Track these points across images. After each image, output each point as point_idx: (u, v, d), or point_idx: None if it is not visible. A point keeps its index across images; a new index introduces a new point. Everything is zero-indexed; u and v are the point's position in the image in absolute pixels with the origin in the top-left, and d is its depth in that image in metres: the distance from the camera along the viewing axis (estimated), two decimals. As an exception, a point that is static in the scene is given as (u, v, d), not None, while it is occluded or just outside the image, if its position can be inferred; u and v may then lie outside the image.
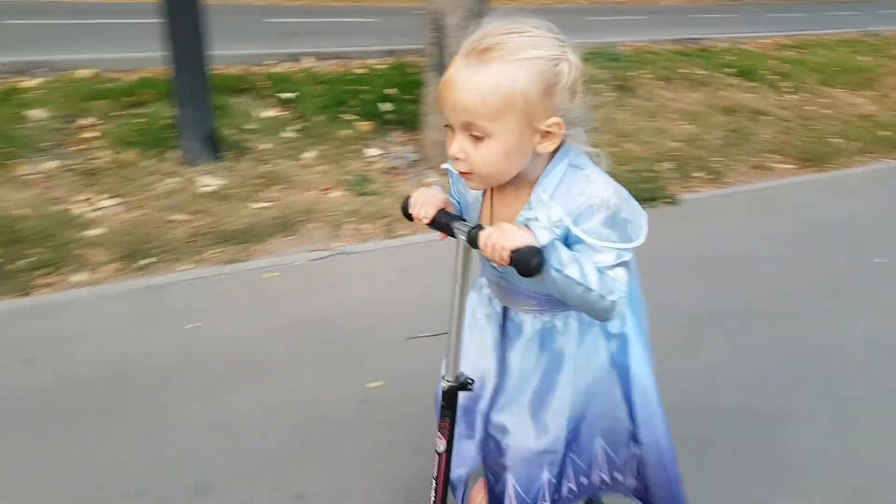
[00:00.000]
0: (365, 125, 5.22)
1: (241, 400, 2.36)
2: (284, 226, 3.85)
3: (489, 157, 1.09)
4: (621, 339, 1.34)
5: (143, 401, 2.34)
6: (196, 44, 4.28)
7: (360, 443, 2.16)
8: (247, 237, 3.69)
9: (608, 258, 1.10)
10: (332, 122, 5.20)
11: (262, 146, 4.75)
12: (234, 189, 4.19)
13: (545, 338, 1.33)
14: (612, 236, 1.10)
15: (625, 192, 1.12)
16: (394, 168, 4.80)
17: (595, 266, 1.09)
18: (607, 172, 1.16)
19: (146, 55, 5.74)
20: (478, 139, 1.08)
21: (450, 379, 1.30)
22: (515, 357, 1.36)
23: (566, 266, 1.07)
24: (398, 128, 5.29)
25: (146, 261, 3.39)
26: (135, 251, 3.44)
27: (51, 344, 2.66)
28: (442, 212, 1.21)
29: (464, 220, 1.18)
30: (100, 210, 3.81)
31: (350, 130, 5.13)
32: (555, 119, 1.08)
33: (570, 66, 1.07)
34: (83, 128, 4.68)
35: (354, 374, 2.51)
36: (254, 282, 3.23)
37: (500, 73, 1.03)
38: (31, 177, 4.06)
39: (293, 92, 5.57)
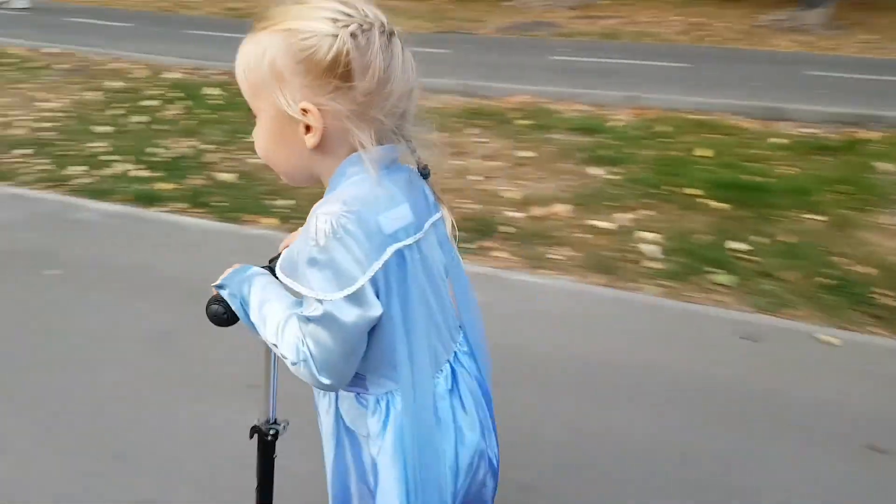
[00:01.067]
0: None
1: None
2: None
3: (260, 139, 0.98)
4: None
5: None
6: None
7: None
8: None
9: (310, 308, 0.88)
10: None
11: None
12: None
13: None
14: (315, 278, 0.87)
15: (357, 225, 0.86)
16: None
17: (297, 317, 0.90)
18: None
19: None
20: (256, 120, 0.97)
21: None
22: None
23: (252, 313, 0.96)
24: None
25: None
26: None
27: None
28: None
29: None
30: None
31: None
32: (304, 103, 0.89)
33: (336, 44, 0.86)
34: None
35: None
36: None
37: (258, 43, 0.91)
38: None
39: None
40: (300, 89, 0.89)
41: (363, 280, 0.86)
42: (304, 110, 0.89)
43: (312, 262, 0.86)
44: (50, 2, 14.67)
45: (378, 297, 0.89)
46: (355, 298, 0.86)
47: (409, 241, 0.93)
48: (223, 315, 0.97)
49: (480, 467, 1.06)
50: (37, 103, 6.21)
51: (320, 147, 0.92)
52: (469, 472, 1.03)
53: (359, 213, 0.86)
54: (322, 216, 0.86)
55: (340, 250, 0.85)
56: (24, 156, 4.88)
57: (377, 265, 0.88)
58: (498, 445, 1.12)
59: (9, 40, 9.40)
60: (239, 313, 0.98)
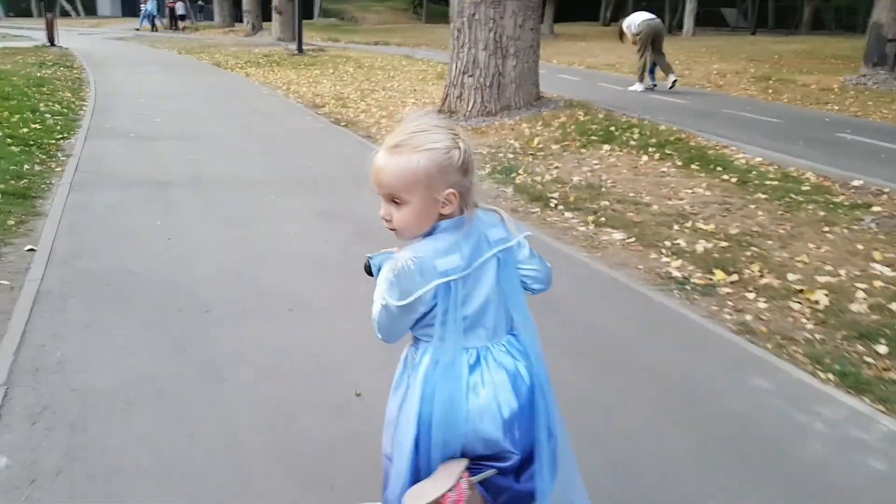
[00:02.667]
0: None
1: None
2: None
3: (406, 217, 1.55)
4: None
5: None
6: None
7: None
8: None
9: (380, 301, 1.58)
10: None
11: None
12: None
13: None
14: (385, 288, 1.55)
15: (417, 269, 1.49)
16: None
17: (378, 300, 1.59)
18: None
19: None
20: (398, 205, 1.54)
21: None
22: None
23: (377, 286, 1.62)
24: None
25: None
26: None
27: None
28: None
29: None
30: None
31: None
32: (450, 190, 1.51)
33: (461, 153, 1.52)
34: None
35: None
36: None
37: (408, 159, 1.49)
38: None
39: None
40: (446, 182, 1.50)
41: (408, 298, 1.50)
42: (450, 194, 1.51)
43: (388, 280, 1.53)
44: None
45: (435, 298, 1.51)
46: (403, 306, 1.51)
47: (454, 276, 1.51)
48: (368, 271, 1.71)
49: (482, 426, 1.56)
50: (873, 264, 4.49)
51: (439, 216, 1.55)
52: (479, 417, 1.55)
53: (422, 259, 1.50)
54: (402, 257, 1.51)
55: (403, 280, 1.50)
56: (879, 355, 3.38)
57: (421, 292, 1.49)
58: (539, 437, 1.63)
59: (748, 148, 7.52)
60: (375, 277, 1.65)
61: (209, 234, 4.86)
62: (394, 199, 1.53)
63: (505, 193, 6.32)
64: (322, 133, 9.31)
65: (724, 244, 4.82)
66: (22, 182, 5.77)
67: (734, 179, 6.39)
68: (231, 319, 3.58)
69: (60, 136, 7.87)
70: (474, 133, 9.19)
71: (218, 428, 2.67)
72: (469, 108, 10.06)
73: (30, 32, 26.38)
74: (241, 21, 32.59)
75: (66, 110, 9.66)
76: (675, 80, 12.59)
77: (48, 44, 21.35)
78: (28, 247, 4.46)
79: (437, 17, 43.36)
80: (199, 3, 41.62)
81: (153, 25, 33.93)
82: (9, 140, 7.13)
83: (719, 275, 4.33)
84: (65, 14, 44.56)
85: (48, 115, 8.95)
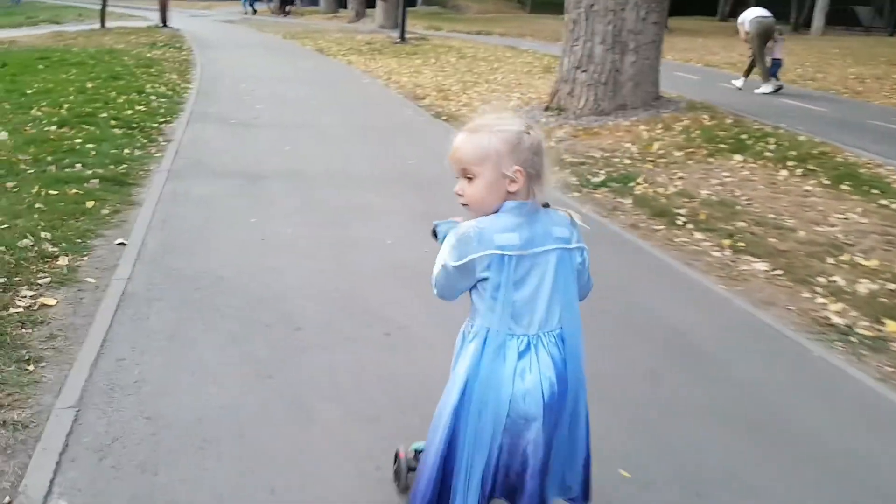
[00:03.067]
0: None
1: None
2: None
3: (476, 191, 1.67)
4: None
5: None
6: None
7: None
8: None
9: (441, 262, 1.72)
10: None
11: None
12: None
13: None
14: (448, 250, 1.68)
15: (476, 236, 1.63)
16: None
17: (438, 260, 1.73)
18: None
19: None
20: (470, 180, 1.68)
21: None
22: None
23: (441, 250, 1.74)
24: None
25: None
26: None
27: None
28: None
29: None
30: None
31: None
32: (517, 167, 1.63)
33: (531, 137, 1.65)
34: None
35: None
36: None
37: (482, 137, 1.66)
38: None
39: None
40: (514, 160, 1.63)
41: (462, 259, 1.63)
42: (517, 171, 1.63)
43: (450, 244, 1.67)
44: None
45: (488, 268, 1.63)
46: (458, 267, 1.65)
47: (509, 252, 1.62)
48: (434, 236, 1.83)
49: (530, 411, 1.68)
50: None
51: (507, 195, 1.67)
52: (522, 400, 1.67)
53: (482, 229, 1.63)
54: (466, 225, 1.66)
55: (462, 245, 1.64)
56: None
57: (475, 255, 1.62)
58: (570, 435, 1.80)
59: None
60: (440, 242, 1.78)
61: (304, 237, 4.55)
62: (467, 175, 1.68)
63: (622, 205, 5.75)
64: (422, 127, 8.96)
65: (892, 286, 4.10)
66: (121, 167, 5.68)
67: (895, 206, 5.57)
68: (322, 341, 3.22)
69: (164, 119, 7.85)
70: (585, 134, 8.61)
71: (303, 485, 2.30)
72: (580, 106, 9.46)
73: (145, 13, 27.44)
74: (345, 7, 32.88)
75: (171, 92, 9.71)
76: (773, 88, 11.70)
77: (160, 24, 22.07)
78: (119, 240, 4.28)
79: (542, 7, 42.42)
80: (306, -12, 42.41)
81: (253, 9, 34.66)
82: (112, 122, 7.13)
83: (891, 326, 3.65)
84: (180, -4, 46.29)
85: (153, 98, 9.00)
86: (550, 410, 1.69)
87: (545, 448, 1.73)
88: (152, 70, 11.48)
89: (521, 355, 1.67)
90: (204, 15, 32.40)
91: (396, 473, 2.24)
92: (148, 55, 13.69)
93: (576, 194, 6.07)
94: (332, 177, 6.03)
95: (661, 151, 7.53)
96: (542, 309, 1.68)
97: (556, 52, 19.33)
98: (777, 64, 12.04)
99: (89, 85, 9.26)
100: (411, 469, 2.13)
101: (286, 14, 34.87)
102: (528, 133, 1.64)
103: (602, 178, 6.54)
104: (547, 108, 9.94)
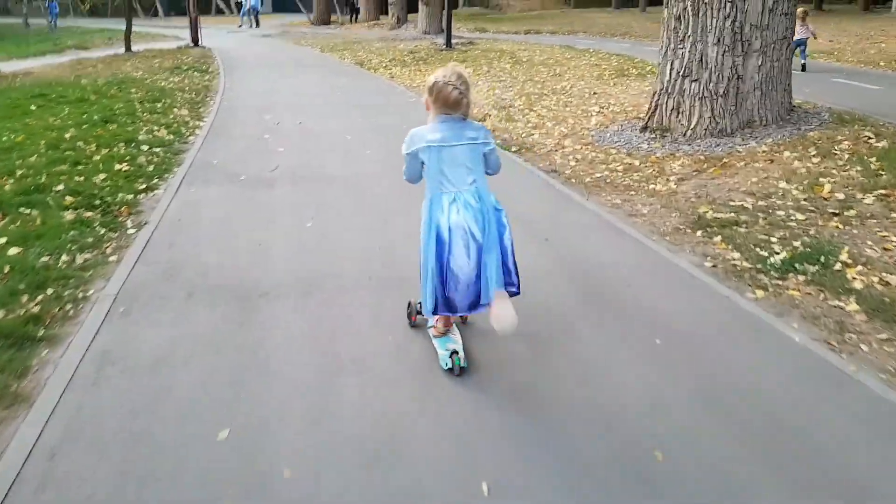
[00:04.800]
0: None
1: None
2: None
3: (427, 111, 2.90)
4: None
5: None
6: None
7: None
8: None
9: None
10: None
11: None
12: None
13: None
14: (405, 144, 2.82)
15: (416, 136, 2.78)
16: None
17: None
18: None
19: None
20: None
21: None
22: None
23: None
24: None
25: None
26: None
27: None
28: None
29: None
30: None
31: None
32: (427, 98, 2.84)
33: (438, 85, 2.76)
34: None
35: None
36: None
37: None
38: None
39: None
40: (428, 97, 2.80)
41: (410, 150, 2.79)
42: (426, 101, 2.82)
43: (405, 141, 2.82)
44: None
45: (422, 156, 2.78)
46: (409, 155, 2.81)
47: (435, 144, 2.72)
48: None
49: (459, 233, 2.75)
50: None
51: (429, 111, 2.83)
52: (448, 233, 2.75)
53: (417, 131, 2.78)
54: (412, 130, 2.81)
55: (409, 141, 2.79)
56: None
57: (415, 147, 2.76)
58: (504, 250, 2.84)
59: None
60: None
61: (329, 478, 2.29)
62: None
63: (849, 318, 3.35)
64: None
65: None
66: (34, 307, 3.47)
67: None
68: None
69: (147, 184, 5.69)
70: (711, 165, 6.17)
71: None
72: (692, 126, 7.01)
73: (181, 31, 25.69)
74: (386, 14, 30.69)
75: (171, 136, 7.58)
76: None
77: (192, 44, 20.26)
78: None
79: (588, 1, 39.56)
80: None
81: (254, 21, 32.30)
82: (68, 200, 5.00)
83: None
84: (220, 12, 44.95)
85: (144, 149, 6.87)
86: (485, 238, 2.77)
87: (477, 253, 2.78)
88: (159, 106, 9.39)
89: (451, 203, 2.79)
90: (242, 31, 30.62)
91: (408, 312, 3.31)
92: (162, 84, 11.66)
93: (758, 293, 3.69)
94: (374, 284, 3.78)
95: (839, 196, 5.06)
96: (460, 176, 2.79)
97: (622, 50, 16.81)
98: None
99: (69, 134, 7.19)
100: (418, 311, 3.19)
101: (353, 22, 32.41)
102: (437, 82, 2.74)
103: (782, 254, 4.13)
104: (645, 128, 7.51)
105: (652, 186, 5.72)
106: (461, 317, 3.22)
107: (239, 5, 27.18)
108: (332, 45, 21.14)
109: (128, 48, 18.14)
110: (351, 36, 25.10)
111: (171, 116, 8.76)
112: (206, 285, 3.76)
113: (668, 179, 5.87)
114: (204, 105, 10.02)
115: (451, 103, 2.71)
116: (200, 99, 10.52)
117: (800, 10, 10.56)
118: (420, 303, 2.99)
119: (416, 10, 24.89)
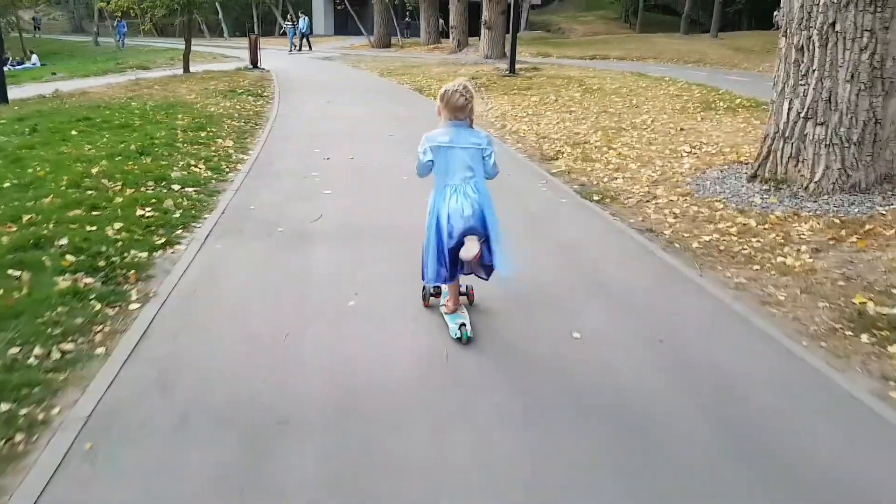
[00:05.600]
0: None
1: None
2: None
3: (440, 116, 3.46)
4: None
5: None
6: None
7: None
8: None
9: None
10: None
11: None
12: None
13: None
14: (420, 145, 3.32)
15: (428, 138, 3.29)
16: None
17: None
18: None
19: None
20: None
21: None
22: None
23: None
24: None
25: None
26: None
27: None
28: None
29: None
30: None
31: None
32: (439, 105, 3.37)
33: (449, 94, 3.26)
34: None
35: None
36: None
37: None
38: None
39: None
40: (441, 104, 3.33)
41: (423, 149, 3.29)
42: (438, 108, 3.34)
43: (421, 142, 3.32)
44: None
45: (432, 154, 3.27)
46: (423, 152, 3.30)
47: (444, 144, 3.25)
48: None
49: (458, 217, 3.22)
50: None
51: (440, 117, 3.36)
52: (448, 218, 3.24)
53: (430, 134, 3.30)
54: (426, 134, 3.33)
55: (423, 142, 3.30)
56: None
57: (428, 146, 3.27)
58: (486, 228, 3.28)
59: None
60: None
61: None
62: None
63: None
64: (567, 222, 5.52)
65: None
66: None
67: None
68: None
69: (166, 236, 4.78)
70: (844, 228, 4.92)
71: None
72: (816, 178, 5.77)
73: (243, 52, 25.43)
74: (446, 37, 29.98)
75: (209, 173, 6.74)
76: None
77: (250, 66, 19.81)
78: None
79: (653, 25, 38.14)
80: (406, 19, 39.97)
81: (303, 44, 31.31)
82: (68, 259, 4.10)
83: None
84: (283, 34, 45.22)
85: (176, 188, 6.02)
86: (471, 218, 3.24)
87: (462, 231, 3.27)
88: (203, 135, 8.60)
89: (452, 193, 3.27)
90: (300, 53, 30.35)
91: (423, 295, 3.74)
92: (212, 110, 10.94)
93: None
94: (436, 408, 2.72)
95: None
96: (461, 172, 3.26)
97: (700, 79, 15.43)
98: None
99: (97, 168, 6.40)
100: (431, 294, 3.72)
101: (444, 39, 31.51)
102: (448, 90, 3.25)
103: None
104: (754, 177, 6.29)
105: (780, 259, 4.51)
106: (468, 297, 3.73)
107: (284, 32, 26.26)
108: (391, 69, 20.41)
109: (186, 69, 17.73)
110: (410, 60, 24.39)
111: (214, 148, 7.94)
112: (207, 403, 2.76)
113: (798, 250, 4.65)
114: (252, 135, 9.22)
115: (458, 108, 3.24)
116: (249, 128, 9.74)
117: None
118: (433, 287, 3.68)
119: (477, 34, 24.05)
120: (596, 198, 6.16)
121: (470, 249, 3.18)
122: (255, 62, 19.91)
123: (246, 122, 10.16)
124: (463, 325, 3.32)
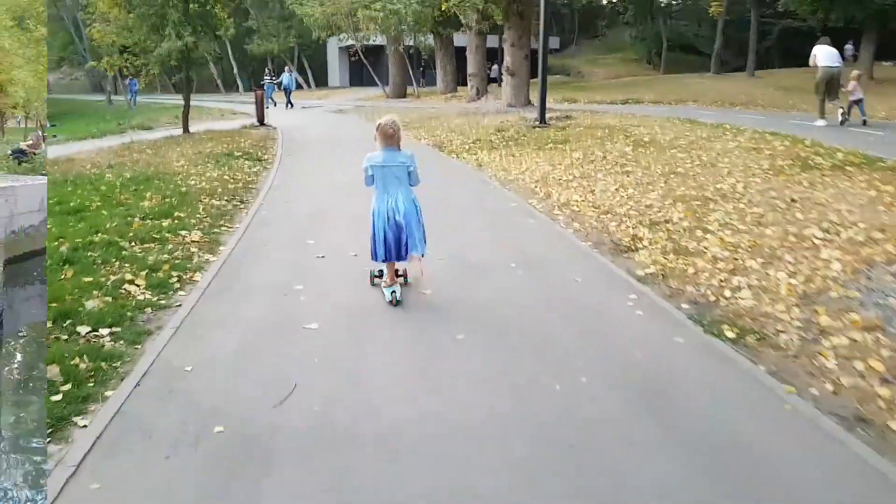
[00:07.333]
0: None
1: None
2: None
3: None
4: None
5: None
6: None
7: None
8: None
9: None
10: None
11: None
12: None
13: None
14: (365, 160, 4.62)
15: (369, 158, 4.56)
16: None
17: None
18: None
19: None
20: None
21: None
22: None
23: None
24: None
25: None
26: None
27: None
28: None
29: None
30: None
31: None
32: (376, 135, 4.73)
33: (381, 127, 4.55)
34: None
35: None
36: None
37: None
38: None
39: None
40: (377, 134, 4.65)
41: (365, 167, 4.57)
42: (375, 136, 4.66)
43: (365, 160, 4.61)
44: None
45: (372, 170, 4.55)
46: (366, 170, 4.58)
47: (378, 164, 4.51)
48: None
49: (391, 218, 4.54)
50: None
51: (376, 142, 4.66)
52: (386, 216, 4.54)
53: (371, 155, 4.57)
54: (368, 155, 4.62)
55: (366, 161, 4.57)
56: None
57: (368, 164, 4.55)
58: (416, 227, 4.61)
59: None
60: None
61: None
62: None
63: None
64: (699, 395, 3.22)
65: None
66: None
67: None
68: None
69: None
70: None
71: None
72: None
73: (253, 108, 23.79)
74: (463, 85, 28.17)
75: (146, 297, 4.56)
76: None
77: (257, 123, 17.98)
78: None
79: (677, 65, 36.22)
80: (421, 68, 38.42)
81: (288, 102, 25.90)
82: None
83: None
84: (299, 87, 43.95)
85: (80, 338, 3.83)
86: (398, 215, 4.48)
87: (397, 227, 4.49)
88: (164, 225, 6.47)
89: (387, 198, 4.50)
90: (316, 105, 28.68)
91: (371, 279, 4.85)
92: (192, 182, 8.87)
93: None
94: None
95: None
96: (393, 185, 4.49)
97: (758, 123, 13.10)
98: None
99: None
100: (375, 275, 4.85)
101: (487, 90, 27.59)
102: (382, 124, 4.47)
103: None
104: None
105: None
106: (402, 277, 4.80)
107: (261, 85, 21.75)
108: (407, 121, 18.40)
109: (185, 129, 15.90)
110: (427, 110, 22.48)
111: (172, 246, 5.79)
112: None
113: None
114: (232, 219, 7.10)
115: (389, 136, 4.45)
116: (231, 207, 7.63)
117: (854, 73, 12.58)
118: (377, 271, 4.86)
119: (496, 81, 22.11)
120: (729, 333, 3.90)
121: (414, 269, 4.82)
122: (261, 119, 18.09)
123: (230, 198, 8.06)
124: (394, 292, 4.52)
